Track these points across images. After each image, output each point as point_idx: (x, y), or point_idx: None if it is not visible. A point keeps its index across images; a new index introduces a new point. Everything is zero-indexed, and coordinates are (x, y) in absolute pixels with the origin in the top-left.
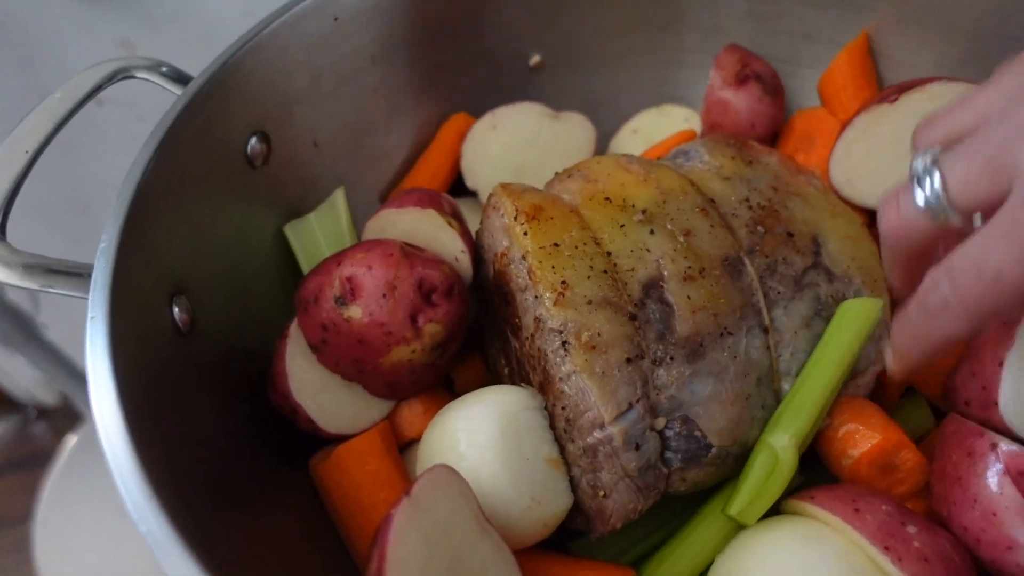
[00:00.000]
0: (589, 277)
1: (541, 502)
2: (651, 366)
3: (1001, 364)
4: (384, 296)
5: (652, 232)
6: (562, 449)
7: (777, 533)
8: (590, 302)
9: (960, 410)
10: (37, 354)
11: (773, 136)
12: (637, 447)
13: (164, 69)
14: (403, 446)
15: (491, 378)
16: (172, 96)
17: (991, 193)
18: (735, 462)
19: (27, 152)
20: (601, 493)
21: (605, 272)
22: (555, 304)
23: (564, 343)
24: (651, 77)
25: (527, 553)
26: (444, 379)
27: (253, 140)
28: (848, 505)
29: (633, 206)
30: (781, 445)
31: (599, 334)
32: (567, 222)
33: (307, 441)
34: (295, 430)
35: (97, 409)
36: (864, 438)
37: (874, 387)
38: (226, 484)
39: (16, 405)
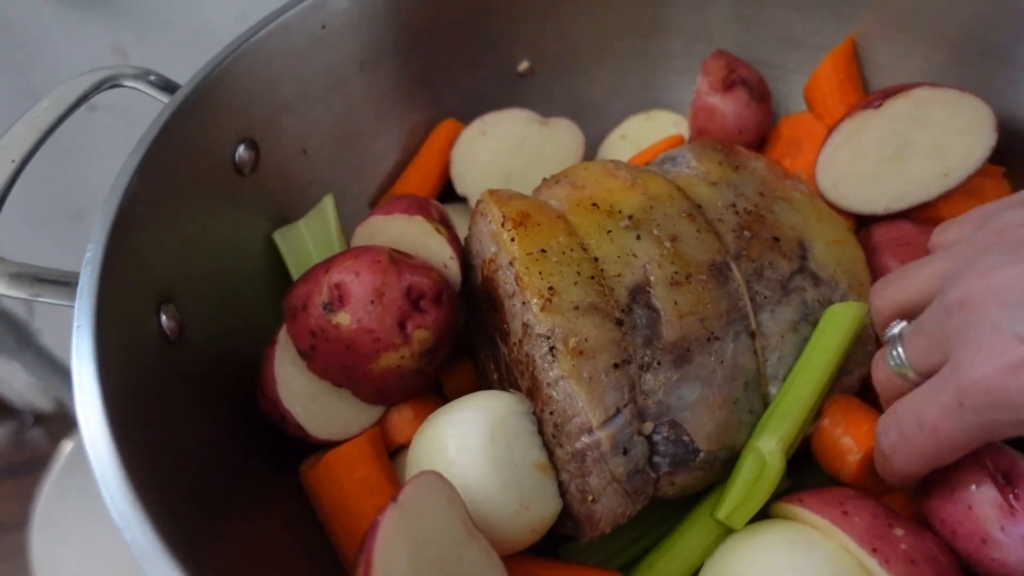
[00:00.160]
0: (576, 283)
1: (529, 507)
2: (638, 371)
3: None
4: (372, 303)
5: (639, 238)
6: (550, 454)
7: (765, 537)
8: (577, 308)
9: None
10: (32, 360)
11: (760, 141)
12: (625, 452)
13: (152, 78)
14: (393, 452)
15: (481, 383)
16: (162, 104)
17: (940, 360)
18: (723, 466)
19: (13, 161)
20: (590, 498)
21: (592, 278)
22: (542, 310)
23: (552, 348)
24: (639, 83)
25: (516, 558)
26: (434, 385)
27: (241, 148)
28: (836, 508)
29: (620, 212)
30: (768, 449)
31: (586, 339)
32: (554, 228)
33: (297, 447)
34: (284, 436)
35: (83, 418)
36: (865, 438)
37: (861, 387)
38: (214, 491)
39: (12, 411)
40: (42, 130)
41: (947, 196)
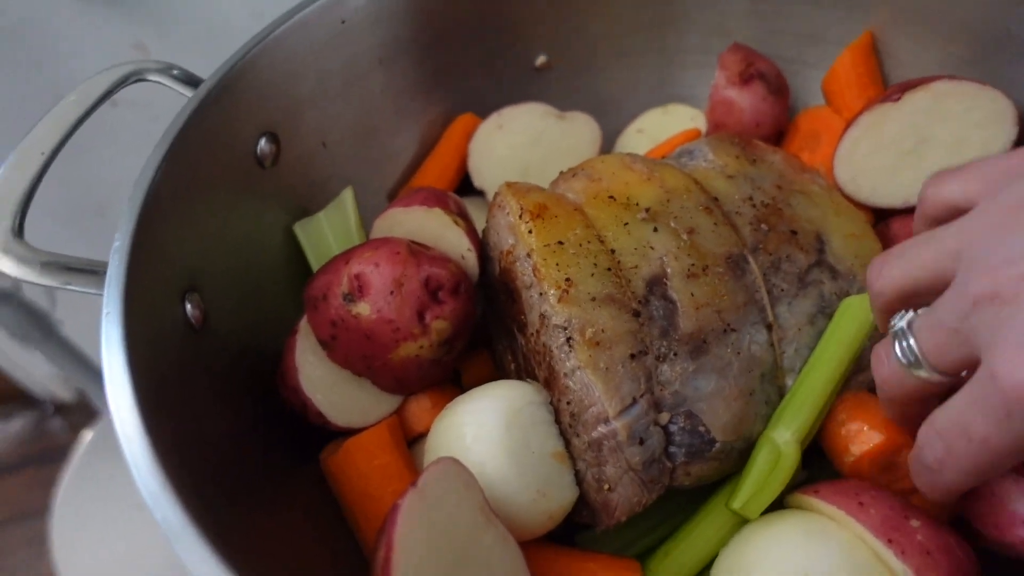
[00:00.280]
0: (593, 274)
1: (546, 495)
2: (655, 362)
3: None
4: (391, 293)
5: (656, 230)
6: (567, 443)
7: (780, 527)
8: (594, 299)
9: None
10: (53, 350)
11: (778, 135)
12: (641, 441)
13: (175, 72)
14: (411, 440)
15: (498, 374)
16: (184, 98)
17: (964, 356)
18: (739, 457)
19: (43, 153)
20: (606, 487)
21: (609, 269)
22: (559, 301)
23: (568, 339)
24: (656, 77)
25: (533, 545)
26: (452, 375)
27: (263, 141)
28: (852, 499)
29: (637, 204)
30: (784, 440)
31: (603, 330)
32: (571, 220)
33: (316, 440)
34: (305, 426)
35: (112, 401)
36: (866, 437)
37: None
38: (238, 477)
39: (33, 401)
40: (70, 123)
41: None
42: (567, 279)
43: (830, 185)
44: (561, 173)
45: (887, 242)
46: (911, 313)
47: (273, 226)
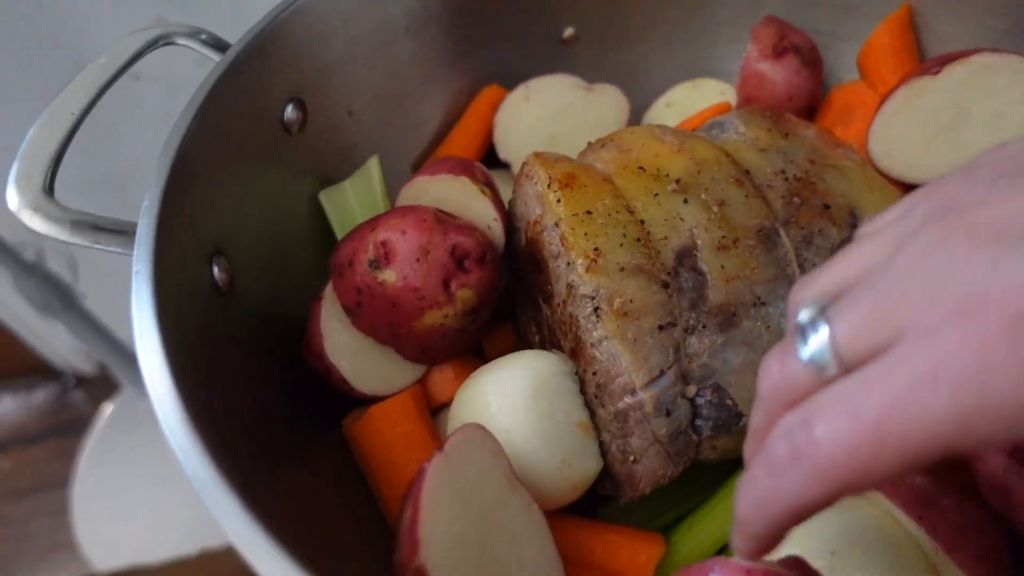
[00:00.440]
0: (622, 245)
1: (571, 465)
2: (683, 334)
3: None
4: (418, 260)
5: (686, 201)
6: (592, 414)
7: None
8: (623, 269)
9: None
10: (75, 323)
11: (811, 110)
12: (668, 413)
13: (203, 36)
14: (434, 410)
15: (521, 347)
16: (206, 70)
17: (878, 344)
18: None
19: (72, 114)
20: (631, 458)
21: (638, 240)
22: (587, 270)
23: (596, 309)
24: (686, 50)
25: (556, 516)
26: (476, 347)
27: (290, 107)
28: None
29: (667, 176)
30: None
31: (631, 300)
32: (600, 190)
33: (342, 404)
34: (329, 392)
35: (143, 357)
36: None
37: None
38: (264, 440)
39: (55, 373)
40: (99, 86)
41: None
42: (595, 248)
43: (864, 161)
44: (590, 144)
45: None
46: (815, 307)
47: (299, 194)
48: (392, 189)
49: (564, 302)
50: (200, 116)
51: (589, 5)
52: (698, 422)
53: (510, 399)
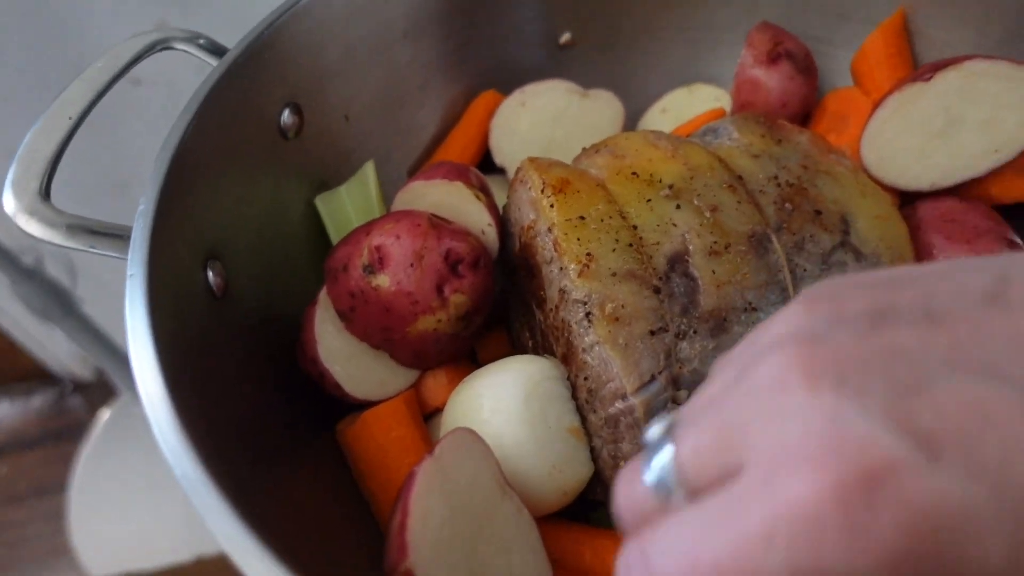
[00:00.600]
0: (614, 250)
1: (562, 470)
2: (674, 339)
3: None
4: (411, 265)
5: (678, 207)
6: (583, 420)
7: None
8: (614, 274)
9: None
10: (74, 328)
11: (805, 116)
12: None
13: (201, 41)
14: (427, 415)
15: (514, 353)
16: (206, 73)
17: (721, 468)
18: None
19: (70, 118)
20: (622, 463)
21: (630, 245)
22: (579, 275)
23: (588, 314)
24: (681, 56)
25: (547, 520)
26: (469, 353)
27: (286, 112)
28: None
29: (660, 181)
30: None
31: (623, 306)
32: (594, 196)
33: (337, 408)
34: (323, 397)
35: (135, 360)
36: None
37: None
38: (257, 443)
39: (53, 379)
40: (96, 90)
41: (997, 173)
42: (588, 254)
43: (857, 166)
44: (584, 149)
45: (913, 225)
46: (664, 423)
47: (295, 198)
48: (388, 194)
49: (556, 307)
50: (197, 120)
51: (585, 11)
52: None
53: (502, 404)
